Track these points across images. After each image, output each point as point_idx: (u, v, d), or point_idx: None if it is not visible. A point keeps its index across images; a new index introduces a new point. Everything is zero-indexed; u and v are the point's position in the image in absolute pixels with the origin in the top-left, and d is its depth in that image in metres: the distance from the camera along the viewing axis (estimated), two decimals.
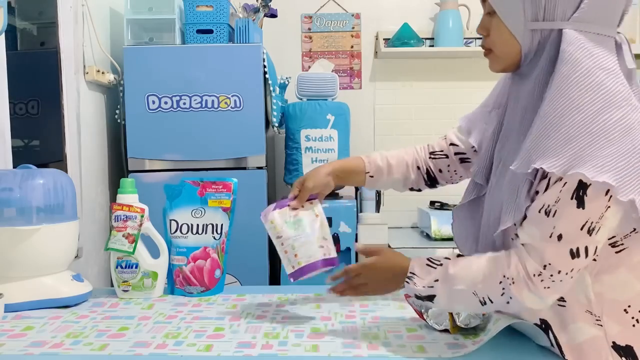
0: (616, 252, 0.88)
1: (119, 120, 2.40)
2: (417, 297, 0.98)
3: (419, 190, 1.27)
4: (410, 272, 0.98)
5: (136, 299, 1.32)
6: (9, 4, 1.39)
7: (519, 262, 0.88)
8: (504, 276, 0.89)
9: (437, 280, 0.95)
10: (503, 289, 0.89)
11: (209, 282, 1.35)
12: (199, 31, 2.32)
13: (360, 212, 2.59)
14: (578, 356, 0.90)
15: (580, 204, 0.83)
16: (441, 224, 2.47)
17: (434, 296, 0.95)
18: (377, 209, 2.57)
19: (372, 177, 1.23)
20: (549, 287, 0.86)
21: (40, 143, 2.05)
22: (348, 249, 2.43)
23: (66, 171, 1.98)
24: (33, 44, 2.07)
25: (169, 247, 1.36)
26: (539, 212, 0.86)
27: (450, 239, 2.41)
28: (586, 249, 0.85)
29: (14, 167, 1.56)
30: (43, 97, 2.02)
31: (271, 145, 2.82)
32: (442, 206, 2.72)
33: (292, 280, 1.16)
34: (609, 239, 0.88)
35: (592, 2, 0.87)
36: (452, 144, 1.22)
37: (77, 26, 2.08)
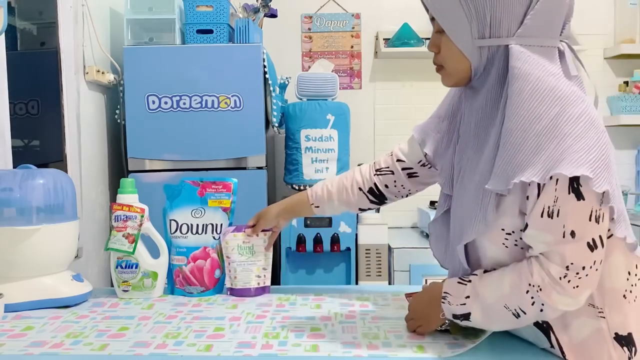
0: (608, 237, 0.89)
1: (119, 120, 2.40)
2: (455, 316, 0.97)
3: (370, 209, 1.32)
4: (444, 292, 0.98)
5: (136, 299, 1.32)
6: (9, 4, 1.40)
7: (541, 269, 0.87)
8: (530, 284, 0.88)
9: (468, 297, 0.95)
10: (532, 297, 0.89)
11: (209, 282, 1.35)
12: (199, 31, 2.32)
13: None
14: (580, 355, 0.90)
15: (579, 196, 0.84)
16: None
17: (469, 314, 0.95)
18: (377, 209, 2.57)
19: (317, 207, 1.30)
20: (577, 286, 0.86)
21: (40, 143, 2.05)
22: (348, 249, 2.44)
23: (66, 171, 1.98)
24: (33, 44, 2.07)
25: (169, 247, 1.36)
26: (542, 216, 0.86)
27: None
28: (600, 238, 0.86)
29: (14, 167, 1.56)
30: (43, 97, 2.02)
31: (271, 145, 2.82)
32: None
33: (228, 292, 1.36)
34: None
35: (535, 18, 0.89)
36: (398, 160, 1.24)
37: (77, 26, 2.08)
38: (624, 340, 0.89)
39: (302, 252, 2.43)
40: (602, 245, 0.86)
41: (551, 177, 0.84)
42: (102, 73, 2.25)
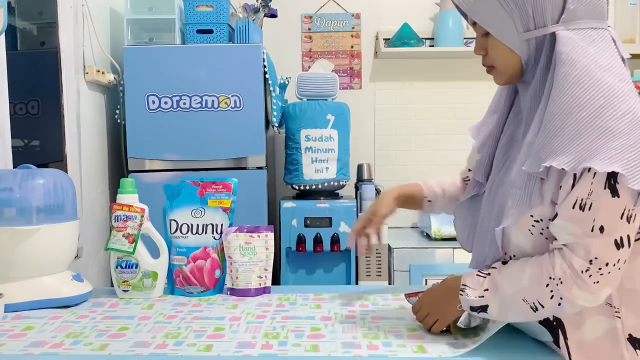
0: (635, 240, 0.88)
1: (119, 120, 2.40)
2: (472, 309, 0.97)
3: None
4: (463, 284, 0.98)
5: (136, 299, 1.32)
6: (9, 4, 1.40)
7: (563, 262, 0.87)
8: (550, 278, 0.88)
9: (487, 290, 0.95)
10: (551, 291, 0.89)
11: (209, 282, 1.35)
12: (199, 31, 2.32)
13: (360, 212, 2.59)
14: (590, 355, 0.90)
15: (614, 192, 0.84)
16: (441, 224, 2.47)
17: (486, 306, 0.95)
18: None
19: (429, 201, 1.28)
20: (598, 282, 0.86)
21: (40, 143, 2.05)
22: (348, 249, 2.44)
23: (66, 171, 1.98)
24: (33, 44, 2.07)
25: (169, 247, 1.36)
26: (573, 208, 0.86)
27: (450, 239, 2.41)
28: (628, 237, 0.85)
29: (14, 167, 1.56)
30: (43, 97, 2.02)
31: (271, 145, 2.81)
32: None
33: (228, 293, 1.36)
34: None
35: (576, 1, 0.90)
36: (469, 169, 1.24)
37: (77, 26, 2.08)
38: (638, 343, 0.89)
39: (302, 252, 2.43)
40: (629, 245, 0.86)
41: (588, 170, 0.83)
42: (102, 73, 2.25)
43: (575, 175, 0.86)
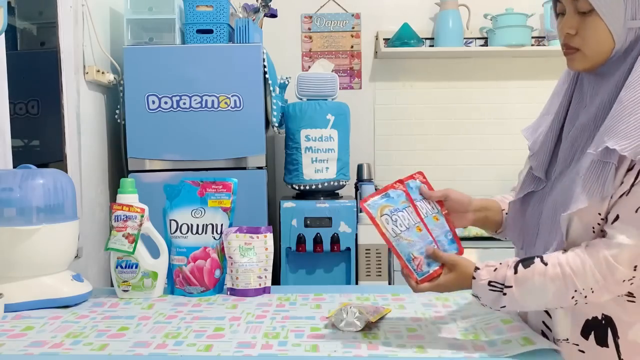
0: None
1: (119, 120, 2.40)
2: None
3: None
4: (477, 295, 0.98)
5: (136, 299, 1.32)
6: (9, 4, 1.39)
7: (604, 269, 0.87)
8: (576, 291, 0.89)
9: (504, 307, 0.95)
10: (576, 300, 0.90)
11: (209, 282, 1.35)
12: (199, 31, 2.32)
13: (360, 212, 2.59)
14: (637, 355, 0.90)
15: None
16: None
17: (504, 309, 0.97)
18: None
19: (507, 214, 1.16)
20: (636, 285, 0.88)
21: (40, 143, 2.05)
22: (348, 249, 2.44)
23: (66, 171, 1.98)
24: (33, 44, 2.07)
25: (169, 247, 1.36)
26: (636, 212, 0.86)
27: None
28: None
29: (14, 167, 1.56)
30: (43, 97, 2.02)
31: (271, 145, 2.81)
32: None
33: (228, 293, 1.35)
34: None
35: None
36: None
37: (77, 26, 2.08)
38: None
39: (302, 252, 2.43)
40: None
41: None
42: (102, 73, 2.25)
43: (638, 172, 0.85)
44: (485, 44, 2.94)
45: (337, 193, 2.61)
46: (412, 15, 2.96)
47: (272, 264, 1.38)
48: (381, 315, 1.09)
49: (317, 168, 2.47)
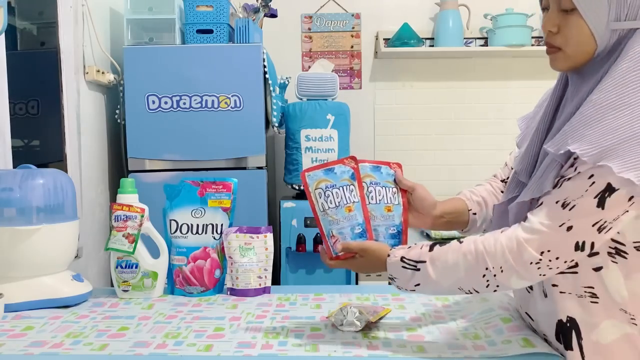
0: None
1: (119, 120, 2.40)
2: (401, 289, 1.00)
3: None
4: (391, 275, 0.99)
5: (136, 299, 1.32)
6: (9, 4, 1.39)
7: (514, 249, 0.87)
8: (487, 269, 0.90)
9: (418, 285, 0.96)
10: (487, 280, 0.90)
11: (209, 282, 1.35)
12: (199, 31, 2.32)
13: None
14: (605, 357, 0.89)
15: (601, 204, 0.83)
16: None
17: (418, 288, 0.97)
18: None
19: (474, 214, 1.18)
20: (544, 274, 0.88)
21: (40, 143, 2.05)
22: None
23: (66, 171, 1.98)
24: (33, 44, 2.07)
25: (169, 247, 1.36)
26: (556, 202, 0.86)
27: (450, 239, 2.40)
28: (592, 244, 0.86)
29: (14, 167, 1.56)
30: (43, 97, 2.02)
31: (271, 145, 2.82)
32: None
33: (228, 293, 1.35)
34: (634, 242, 0.88)
35: None
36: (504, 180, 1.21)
37: (77, 26, 2.08)
38: None
39: (302, 252, 2.43)
40: (590, 251, 0.86)
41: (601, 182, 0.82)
42: (102, 73, 2.25)
43: (576, 168, 0.85)
44: (485, 44, 2.94)
45: None
46: (412, 15, 2.96)
47: (272, 264, 1.38)
48: (381, 315, 1.09)
49: None
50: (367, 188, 1.09)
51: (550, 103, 1.00)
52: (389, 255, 0.99)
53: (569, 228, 0.85)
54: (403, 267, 0.96)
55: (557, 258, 0.86)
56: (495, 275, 0.89)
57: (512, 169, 1.14)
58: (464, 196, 1.20)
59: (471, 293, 0.94)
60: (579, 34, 0.89)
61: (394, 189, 1.11)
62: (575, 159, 0.86)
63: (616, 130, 0.82)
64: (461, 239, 0.95)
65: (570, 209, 0.85)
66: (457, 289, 0.94)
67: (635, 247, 0.88)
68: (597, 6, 0.87)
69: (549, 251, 0.86)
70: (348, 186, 1.06)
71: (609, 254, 0.89)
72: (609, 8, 0.87)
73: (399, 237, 1.09)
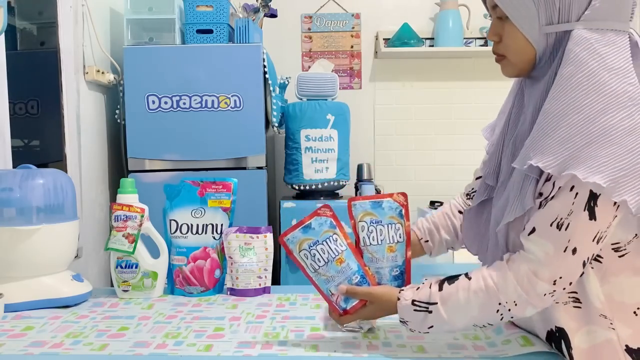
0: (619, 257, 0.88)
1: (119, 120, 2.40)
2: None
3: None
4: (402, 319, 0.96)
5: (136, 299, 1.32)
6: (9, 4, 1.39)
7: (525, 284, 0.87)
8: (499, 304, 0.89)
9: (432, 327, 0.94)
10: (501, 314, 0.90)
11: (209, 282, 1.35)
12: (199, 31, 2.32)
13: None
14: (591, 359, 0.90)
15: (592, 215, 0.83)
16: None
17: (432, 330, 0.95)
18: None
19: (427, 241, 1.19)
20: (557, 299, 0.89)
21: (40, 143, 2.05)
22: None
23: (66, 171, 1.98)
24: (33, 44, 2.07)
25: (169, 247, 1.36)
26: (551, 225, 0.85)
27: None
28: (591, 256, 0.86)
29: (14, 167, 1.56)
30: (43, 97, 2.02)
31: (271, 145, 2.82)
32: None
33: (228, 293, 1.35)
34: (612, 244, 0.88)
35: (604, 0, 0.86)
36: (477, 178, 1.19)
37: (77, 26, 2.08)
38: (635, 354, 0.88)
39: None
40: (590, 262, 0.87)
41: (571, 188, 0.82)
42: (102, 73, 2.25)
43: (554, 186, 0.84)
44: (485, 44, 2.94)
45: (337, 193, 2.61)
46: (412, 15, 2.96)
47: (272, 264, 1.38)
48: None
49: (317, 168, 2.47)
50: (368, 228, 1.05)
51: (511, 110, 1.01)
52: (399, 299, 0.96)
53: (574, 251, 0.84)
54: (415, 310, 0.94)
55: (570, 283, 0.86)
56: (509, 310, 0.89)
57: (477, 178, 1.15)
58: (416, 226, 1.21)
59: (485, 327, 0.94)
60: (515, 41, 0.91)
61: (397, 225, 1.05)
62: (549, 175, 0.85)
63: (573, 137, 0.81)
64: (469, 274, 0.93)
65: (566, 229, 0.84)
66: (472, 326, 0.93)
67: (613, 249, 0.88)
68: (525, 12, 0.88)
69: (560, 278, 0.85)
70: (331, 237, 1.02)
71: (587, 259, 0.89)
72: (537, 13, 0.87)
73: (402, 278, 1.05)
